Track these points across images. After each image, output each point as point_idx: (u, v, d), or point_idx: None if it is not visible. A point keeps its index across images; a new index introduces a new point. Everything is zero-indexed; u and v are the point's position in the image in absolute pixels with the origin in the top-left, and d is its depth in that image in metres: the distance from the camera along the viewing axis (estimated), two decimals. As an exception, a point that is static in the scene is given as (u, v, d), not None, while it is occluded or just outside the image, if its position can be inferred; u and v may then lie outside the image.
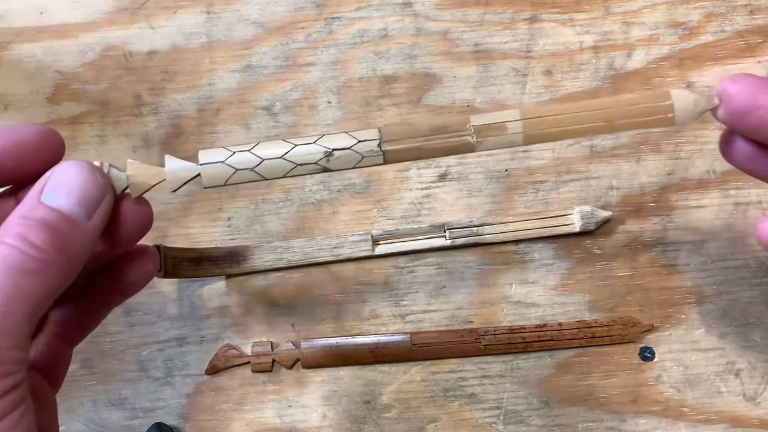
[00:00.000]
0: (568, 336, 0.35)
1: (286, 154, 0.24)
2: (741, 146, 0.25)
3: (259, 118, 0.37)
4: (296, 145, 0.24)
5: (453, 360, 0.35)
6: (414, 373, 0.35)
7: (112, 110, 0.38)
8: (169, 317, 0.36)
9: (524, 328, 0.35)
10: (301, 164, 0.24)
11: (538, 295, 0.36)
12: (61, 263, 0.20)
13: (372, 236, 0.36)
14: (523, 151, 0.37)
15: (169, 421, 0.35)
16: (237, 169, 0.23)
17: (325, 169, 0.24)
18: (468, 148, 0.24)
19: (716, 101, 0.24)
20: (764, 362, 0.35)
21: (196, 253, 0.35)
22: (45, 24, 0.38)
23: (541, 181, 0.37)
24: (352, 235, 0.36)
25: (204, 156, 0.24)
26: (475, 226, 0.36)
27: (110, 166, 0.23)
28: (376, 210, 0.37)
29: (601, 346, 0.35)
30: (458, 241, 0.36)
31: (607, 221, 0.36)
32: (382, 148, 0.24)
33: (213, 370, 0.35)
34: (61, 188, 0.21)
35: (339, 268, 0.36)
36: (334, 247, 0.36)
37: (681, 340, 0.35)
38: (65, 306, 0.25)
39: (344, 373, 0.35)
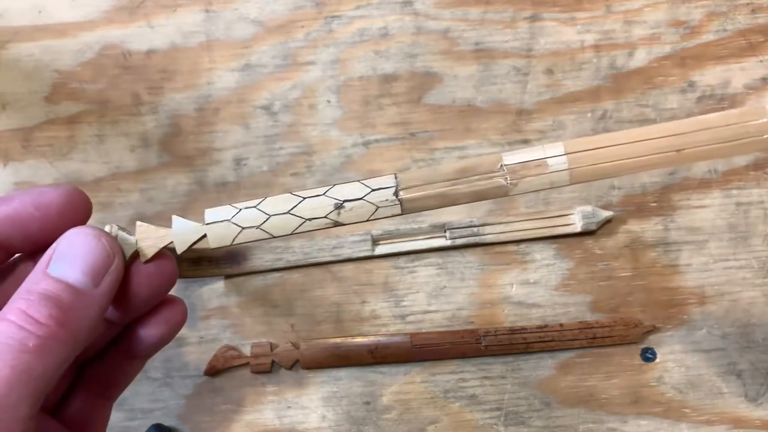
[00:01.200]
0: (569, 337, 0.35)
1: (293, 209, 0.22)
2: None
3: (259, 117, 0.37)
4: (304, 198, 0.22)
5: (453, 361, 0.35)
6: (414, 374, 0.35)
7: (111, 109, 0.37)
8: (168, 318, 0.36)
9: (525, 328, 0.35)
10: (309, 219, 0.22)
11: (539, 295, 0.35)
12: (64, 337, 0.20)
13: (372, 236, 0.36)
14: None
15: (168, 422, 0.35)
16: (243, 228, 0.22)
17: (337, 223, 0.22)
18: (501, 192, 0.21)
19: None
20: (766, 363, 0.34)
21: (195, 254, 0.35)
22: (43, 23, 0.38)
23: (542, 181, 0.36)
24: (352, 235, 0.36)
25: (210, 215, 0.23)
26: (475, 226, 0.36)
27: (119, 228, 0.23)
28: (376, 210, 0.36)
29: (602, 347, 0.35)
30: (459, 241, 0.35)
31: (608, 221, 0.36)
32: (399, 197, 0.22)
33: (212, 371, 0.35)
34: (66, 257, 0.21)
35: (339, 268, 0.36)
36: (334, 247, 0.36)
37: (682, 341, 0.35)
38: (98, 362, 0.25)
39: (344, 374, 0.35)
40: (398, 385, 0.35)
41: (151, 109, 0.37)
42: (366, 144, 0.37)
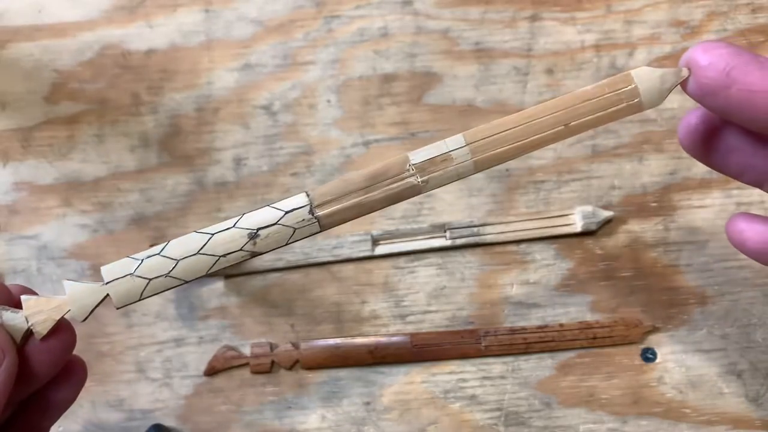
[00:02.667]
0: (569, 337, 0.34)
1: (203, 248, 0.21)
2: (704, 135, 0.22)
3: (258, 117, 0.37)
4: (213, 234, 0.21)
5: (453, 361, 0.35)
6: (414, 374, 0.35)
7: (110, 109, 0.37)
8: (168, 318, 0.36)
9: (525, 329, 0.35)
10: (224, 255, 0.21)
11: (539, 295, 0.35)
12: None
13: (372, 236, 0.36)
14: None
15: (168, 422, 0.35)
16: (150, 279, 0.21)
17: (254, 254, 0.21)
18: (414, 191, 0.22)
19: (685, 72, 0.21)
20: (766, 363, 0.34)
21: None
22: (43, 22, 0.38)
23: (542, 181, 0.36)
24: (352, 235, 0.36)
25: (108, 273, 0.21)
26: (475, 226, 0.36)
27: (2, 309, 0.21)
28: (376, 210, 0.36)
29: (602, 347, 0.35)
30: (459, 242, 0.35)
31: (608, 221, 0.36)
32: (316, 214, 0.21)
33: (212, 371, 0.35)
34: None
35: (339, 268, 0.36)
36: (334, 248, 0.36)
37: (683, 341, 0.35)
38: (7, 429, 0.23)
39: (344, 374, 0.35)
40: (398, 385, 0.35)
41: (150, 109, 0.37)
42: (366, 144, 0.37)
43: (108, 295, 0.21)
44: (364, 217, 0.35)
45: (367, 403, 0.35)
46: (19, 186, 0.37)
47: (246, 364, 0.35)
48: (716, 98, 0.21)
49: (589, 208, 0.35)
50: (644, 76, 0.22)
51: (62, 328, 0.22)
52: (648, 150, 0.36)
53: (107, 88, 0.38)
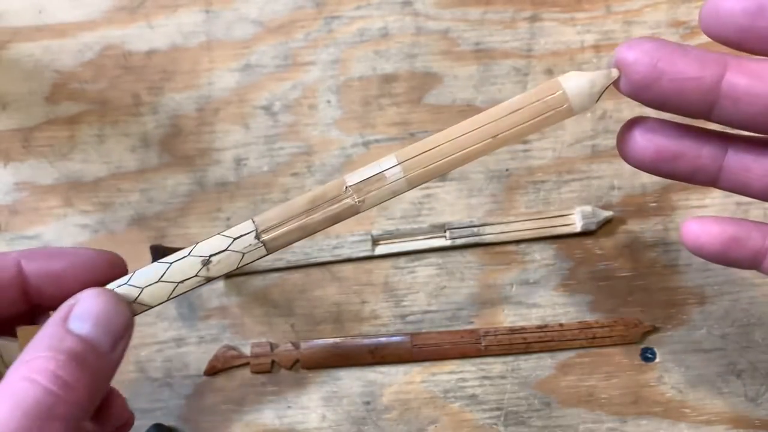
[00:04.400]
0: (569, 337, 0.35)
1: (163, 276, 0.22)
2: (646, 139, 0.22)
3: (259, 117, 0.37)
4: (171, 263, 0.22)
5: (453, 361, 0.35)
6: (414, 374, 0.35)
7: (111, 110, 0.37)
8: (168, 318, 0.36)
9: (525, 328, 0.35)
10: (181, 281, 0.22)
11: (539, 295, 0.35)
12: (88, 404, 0.19)
13: (372, 236, 0.36)
14: (524, 151, 0.37)
15: (168, 422, 0.35)
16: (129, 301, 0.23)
17: (209, 279, 0.23)
18: (352, 211, 0.23)
19: (615, 73, 0.21)
20: (766, 363, 0.34)
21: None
22: (43, 23, 0.38)
23: (542, 181, 0.36)
24: (352, 235, 0.36)
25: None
26: (475, 226, 0.36)
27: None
28: (376, 210, 0.36)
29: (602, 347, 0.35)
30: (458, 241, 0.35)
31: (608, 221, 0.36)
32: (261, 239, 0.23)
33: (212, 371, 0.35)
34: (88, 316, 0.20)
35: (339, 268, 0.36)
36: (334, 248, 0.36)
37: (682, 341, 0.35)
38: None
39: (344, 374, 0.35)
40: (398, 385, 0.35)
41: (151, 109, 0.37)
42: (366, 144, 0.37)
43: None
44: (363, 216, 0.35)
45: (367, 403, 0.35)
46: (19, 186, 0.37)
47: (246, 364, 0.35)
48: (649, 91, 0.21)
49: (588, 208, 0.35)
50: (573, 82, 0.22)
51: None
52: (647, 150, 0.36)
53: (108, 88, 0.38)
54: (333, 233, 0.36)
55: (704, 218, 0.23)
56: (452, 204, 0.36)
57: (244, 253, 0.23)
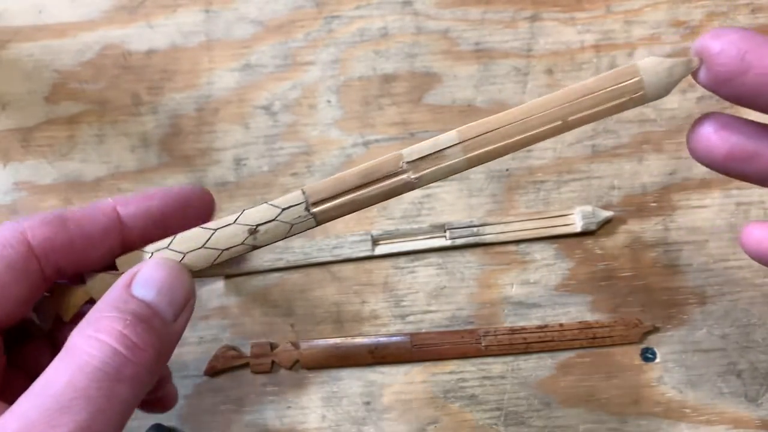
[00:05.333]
0: (569, 337, 0.35)
1: (207, 242, 0.22)
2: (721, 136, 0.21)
3: (258, 117, 0.37)
4: (216, 230, 0.22)
5: (453, 361, 0.35)
6: (414, 374, 0.35)
7: (111, 109, 0.37)
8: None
9: (525, 328, 0.35)
10: (226, 249, 0.22)
11: (539, 295, 0.35)
12: (155, 367, 0.19)
13: (372, 236, 0.36)
14: (524, 151, 0.37)
15: (168, 422, 0.35)
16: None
17: (255, 247, 0.22)
18: (407, 188, 0.22)
19: (696, 62, 0.20)
20: (766, 363, 0.34)
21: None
22: (43, 23, 0.38)
23: (542, 181, 0.36)
24: (352, 235, 0.36)
25: (122, 263, 0.22)
26: (475, 226, 0.36)
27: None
28: (375, 210, 0.36)
29: (602, 347, 0.35)
30: (459, 241, 0.35)
31: (608, 221, 0.36)
32: (311, 211, 0.22)
33: (212, 371, 0.35)
34: (152, 283, 0.20)
35: (339, 268, 0.36)
36: (334, 248, 0.36)
37: (683, 341, 0.35)
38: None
39: (344, 374, 0.35)
40: (398, 385, 0.35)
41: (151, 109, 0.37)
42: (366, 144, 0.37)
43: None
44: (363, 216, 0.35)
45: (367, 403, 0.35)
46: (19, 186, 0.37)
47: (246, 364, 0.35)
48: (732, 85, 0.20)
49: (588, 208, 0.35)
50: (651, 68, 0.21)
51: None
52: (648, 150, 0.36)
53: (107, 88, 0.38)
54: (333, 233, 0.36)
55: (764, 223, 0.22)
56: (452, 204, 0.36)
57: (292, 224, 0.22)
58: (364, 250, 0.36)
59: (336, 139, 0.37)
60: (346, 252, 0.36)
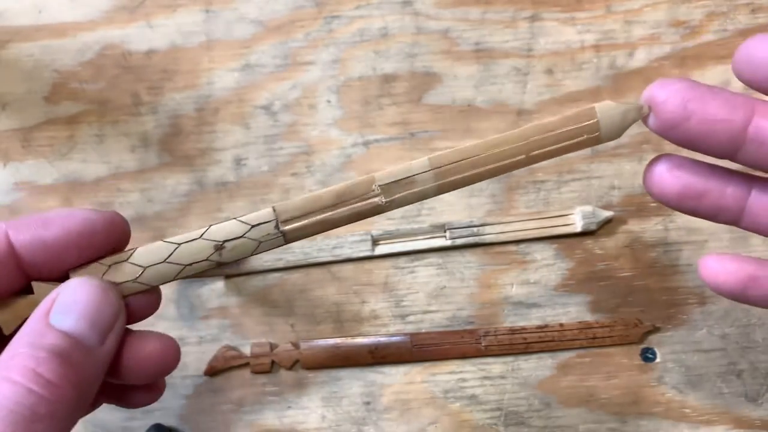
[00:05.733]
0: (569, 337, 0.35)
1: (169, 257, 0.22)
2: (672, 175, 0.22)
3: (258, 117, 0.37)
4: (179, 245, 0.22)
5: (453, 361, 0.35)
6: (414, 374, 0.35)
7: (111, 109, 0.37)
8: (168, 318, 0.36)
9: (525, 328, 0.35)
10: (189, 264, 0.22)
11: (539, 295, 0.35)
12: (75, 400, 0.18)
13: (372, 236, 0.36)
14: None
15: (168, 422, 0.35)
16: (119, 284, 0.22)
17: (219, 264, 0.22)
18: (377, 210, 0.23)
19: (646, 110, 0.22)
20: (766, 363, 0.34)
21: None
22: (43, 23, 0.38)
23: (542, 181, 0.36)
24: (352, 235, 0.36)
25: (77, 275, 0.21)
26: (475, 226, 0.36)
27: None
28: (376, 210, 0.36)
29: (602, 347, 0.35)
30: (459, 241, 0.35)
31: (608, 221, 0.36)
32: (281, 229, 0.22)
33: (212, 371, 0.35)
34: (72, 309, 0.19)
35: (338, 268, 0.36)
36: (334, 248, 0.36)
37: (683, 341, 0.35)
38: None
39: (344, 374, 0.35)
40: (398, 385, 0.35)
41: (151, 109, 0.37)
42: (366, 144, 0.37)
43: None
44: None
45: (367, 403, 0.35)
46: (19, 186, 0.37)
47: (246, 364, 0.35)
48: (678, 131, 0.21)
49: (589, 208, 0.35)
50: (607, 112, 0.23)
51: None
52: (648, 150, 0.36)
53: (107, 88, 0.38)
54: (333, 233, 0.36)
55: (722, 255, 0.23)
56: (452, 204, 0.36)
57: (260, 242, 0.22)
58: (364, 250, 0.36)
59: (336, 139, 0.37)
60: (346, 252, 0.36)
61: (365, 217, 0.23)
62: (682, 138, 0.22)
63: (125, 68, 0.38)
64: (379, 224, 0.36)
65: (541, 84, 0.37)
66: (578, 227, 0.35)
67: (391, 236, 0.36)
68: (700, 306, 0.35)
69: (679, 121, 0.21)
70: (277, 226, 0.22)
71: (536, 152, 0.23)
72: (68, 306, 0.19)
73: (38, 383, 0.17)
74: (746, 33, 0.37)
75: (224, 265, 0.22)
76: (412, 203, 0.23)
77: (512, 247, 0.36)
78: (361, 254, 0.36)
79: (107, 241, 0.21)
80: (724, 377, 0.34)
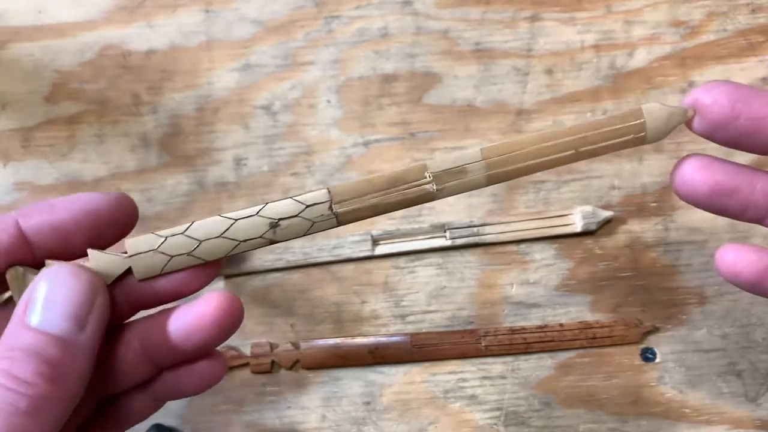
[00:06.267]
0: (569, 337, 0.35)
1: (225, 231, 0.22)
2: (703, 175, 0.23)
3: (258, 117, 0.37)
4: (236, 220, 0.22)
5: (453, 361, 0.35)
6: (414, 374, 0.35)
7: (111, 109, 0.37)
8: (168, 318, 0.36)
9: (525, 328, 0.35)
10: (244, 240, 0.22)
11: (539, 295, 0.35)
12: (57, 394, 0.18)
13: (372, 236, 0.36)
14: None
15: (168, 422, 0.35)
16: (172, 256, 0.22)
17: (272, 242, 0.22)
18: (428, 198, 0.23)
19: (690, 113, 0.23)
20: (766, 363, 0.34)
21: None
22: (43, 23, 0.38)
23: (542, 181, 0.36)
24: (352, 235, 0.36)
25: (132, 246, 0.22)
26: (475, 226, 0.36)
27: (25, 270, 0.21)
28: (376, 210, 0.36)
29: (602, 347, 0.35)
30: (459, 241, 0.35)
31: (608, 221, 0.36)
32: (334, 211, 0.22)
33: (212, 371, 0.35)
34: (45, 304, 0.19)
35: (339, 268, 0.36)
36: (334, 248, 0.36)
37: (683, 341, 0.35)
38: (121, 400, 0.23)
39: (344, 374, 0.35)
40: (398, 385, 0.35)
41: (151, 109, 0.37)
42: (366, 144, 0.37)
43: (130, 267, 0.22)
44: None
45: (367, 403, 0.35)
46: (19, 186, 0.37)
47: (246, 364, 0.35)
48: (726, 131, 0.22)
49: (588, 208, 0.35)
50: (653, 113, 0.23)
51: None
52: (648, 150, 0.36)
53: (107, 88, 0.38)
54: (333, 233, 0.36)
55: (741, 246, 0.23)
56: (452, 204, 0.36)
57: (314, 222, 0.22)
58: (364, 250, 0.36)
59: (336, 139, 0.37)
60: (346, 252, 0.36)
61: (416, 204, 0.23)
62: (729, 137, 0.22)
63: (125, 68, 0.38)
64: (379, 224, 0.36)
65: (541, 84, 0.37)
66: (578, 227, 0.35)
67: (391, 236, 0.36)
68: (700, 306, 0.35)
69: (728, 121, 0.22)
70: (330, 208, 0.22)
71: (585, 148, 0.23)
72: (41, 301, 0.19)
73: (14, 383, 0.18)
74: (746, 33, 0.37)
75: (276, 242, 0.22)
76: (461, 193, 0.23)
77: (512, 247, 0.36)
78: (361, 254, 0.36)
79: (113, 221, 0.21)
80: (724, 377, 0.34)
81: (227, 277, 0.36)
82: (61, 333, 0.19)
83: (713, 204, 0.23)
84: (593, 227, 0.35)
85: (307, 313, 0.36)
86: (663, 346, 0.35)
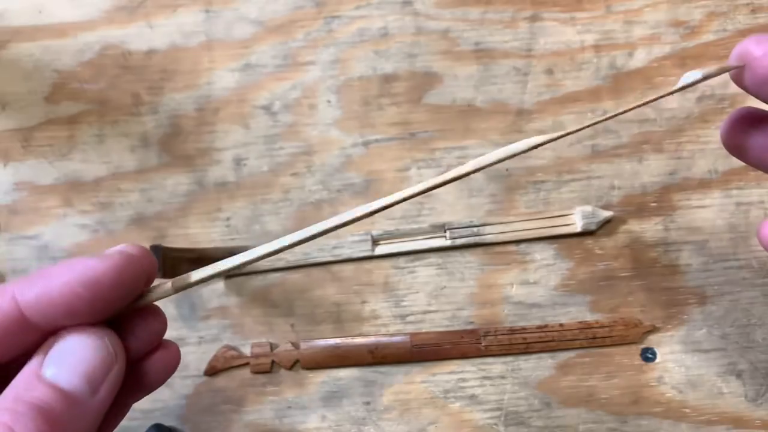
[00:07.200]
0: (569, 337, 0.35)
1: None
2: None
3: (259, 117, 0.37)
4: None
5: (453, 361, 0.35)
6: (414, 374, 0.35)
7: (111, 109, 0.37)
8: (168, 318, 0.36)
9: (525, 328, 0.35)
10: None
11: (539, 295, 0.35)
12: None
13: (372, 236, 0.36)
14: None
15: (168, 422, 0.35)
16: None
17: None
18: None
19: (737, 64, 0.21)
20: (766, 363, 0.34)
21: (195, 254, 0.35)
22: (43, 23, 0.38)
23: (542, 181, 0.36)
24: (352, 235, 0.36)
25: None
26: (475, 226, 0.36)
27: None
28: (376, 210, 0.36)
29: (602, 347, 0.35)
30: (459, 241, 0.35)
31: (608, 221, 0.36)
32: None
33: (212, 371, 0.35)
34: (63, 360, 0.19)
35: (339, 268, 0.36)
36: (334, 248, 0.36)
37: (683, 341, 0.35)
38: None
39: (344, 374, 0.35)
40: (398, 385, 0.35)
41: (151, 109, 0.37)
42: (366, 144, 0.37)
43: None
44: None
45: (367, 403, 0.35)
46: (19, 186, 0.37)
47: (246, 364, 0.35)
48: None
49: (588, 208, 0.35)
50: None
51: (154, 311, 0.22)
52: (647, 150, 0.36)
53: (107, 88, 0.38)
54: (333, 234, 0.36)
55: None
56: (452, 204, 0.36)
57: None
58: (364, 250, 0.36)
59: (336, 139, 0.37)
60: (346, 252, 0.36)
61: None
62: None
63: (125, 68, 0.38)
64: (379, 224, 0.36)
65: (541, 84, 0.37)
66: (578, 227, 0.35)
67: (391, 236, 0.36)
68: (699, 306, 0.35)
69: None
70: None
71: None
72: (60, 357, 0.19)
73: None
74: (746, 33, 0.37)
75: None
76: None
77: (512, 247, 0.36)
78: (361, 254, 0.36)
79: (120, 285, 0.20)
80: (724, 377, 0.34)
81: (227, 277, 0.36)
82: (73, 390, 0.19)
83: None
84: (593, 227, 0.35)
85: (307, 313, 0.36)
86: (663, 346, 0.35)
